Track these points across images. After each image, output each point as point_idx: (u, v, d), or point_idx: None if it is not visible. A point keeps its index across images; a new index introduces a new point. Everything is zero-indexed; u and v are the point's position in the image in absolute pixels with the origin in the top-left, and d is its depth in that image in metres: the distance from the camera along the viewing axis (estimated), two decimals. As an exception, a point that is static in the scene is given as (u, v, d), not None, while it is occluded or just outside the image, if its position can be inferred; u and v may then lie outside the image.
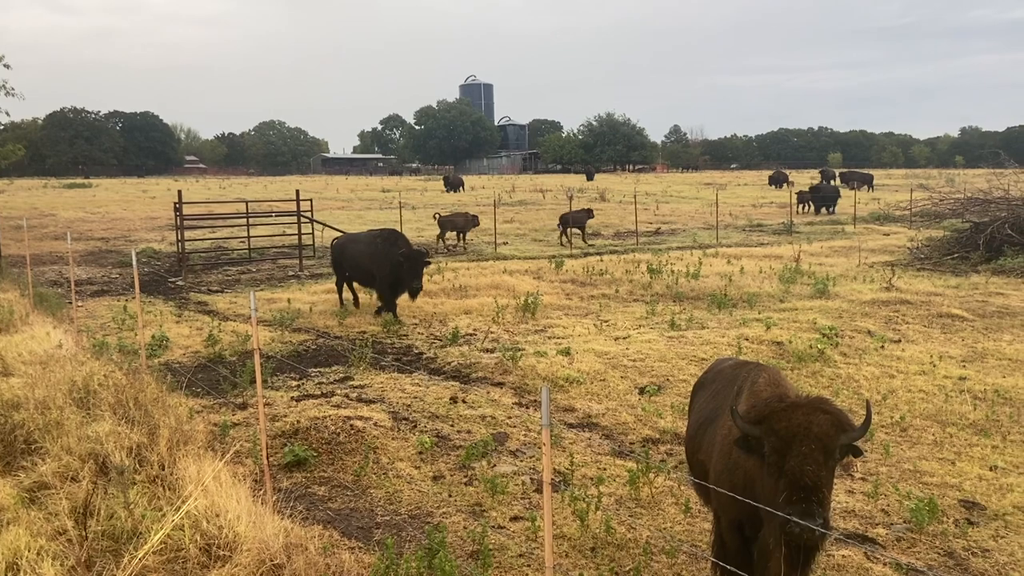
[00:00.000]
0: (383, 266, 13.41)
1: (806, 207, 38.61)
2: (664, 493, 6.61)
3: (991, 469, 7.04)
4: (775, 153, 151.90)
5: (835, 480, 5.94)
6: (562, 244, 25.32)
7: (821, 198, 39.22)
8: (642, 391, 9.30)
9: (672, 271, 17.55)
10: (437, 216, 25.87)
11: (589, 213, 27.20)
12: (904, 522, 6.01)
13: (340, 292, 15.13)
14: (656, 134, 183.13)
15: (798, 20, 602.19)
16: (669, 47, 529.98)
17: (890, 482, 6.75)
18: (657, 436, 8.02)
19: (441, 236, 25.06)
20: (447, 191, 57.82)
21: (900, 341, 11.46)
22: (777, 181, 60.64)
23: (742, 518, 4.28)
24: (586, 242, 26.08)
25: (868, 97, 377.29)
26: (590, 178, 78.63)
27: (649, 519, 6.18)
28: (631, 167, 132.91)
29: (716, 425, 4.67)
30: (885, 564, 5.38)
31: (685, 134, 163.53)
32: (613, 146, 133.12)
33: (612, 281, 17.08)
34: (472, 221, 25.92)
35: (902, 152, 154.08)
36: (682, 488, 6.55)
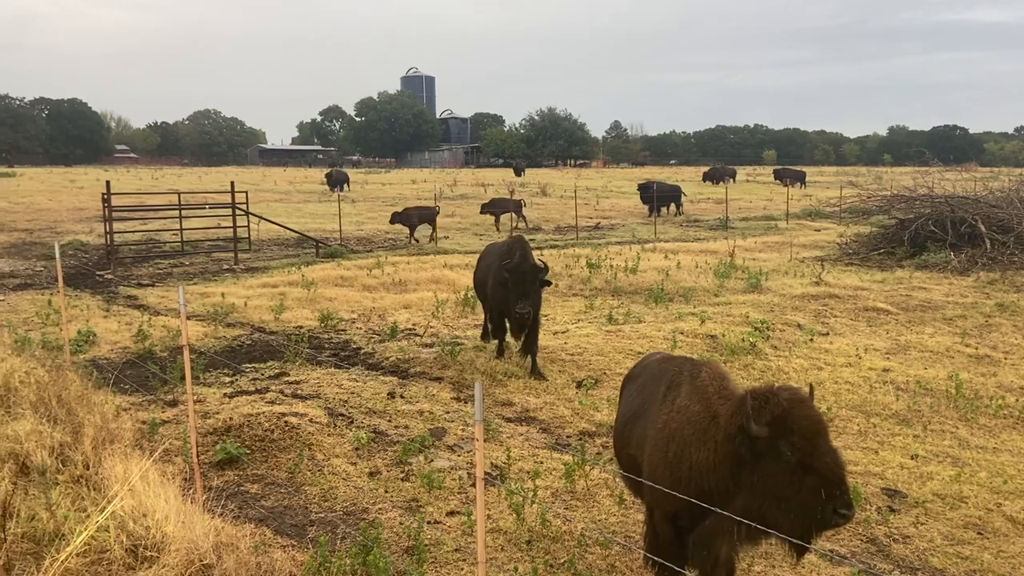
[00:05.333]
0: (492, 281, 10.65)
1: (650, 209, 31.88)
2: (599, 485, 6.68)
3: (912, 458, 7.32)
4: (713, 149, 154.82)
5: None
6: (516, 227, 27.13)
7: (648, 198, 32.34)
8: (579, 385, 9.38)
9: (611, 266, 17.73)
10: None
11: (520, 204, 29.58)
12: (829, 510, 6.20)
13: (489, 332, 11.27)
14: (597, 129, 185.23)
15: (735, 19, 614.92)
16: (611, 43, 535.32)
17: (817, 471, 6.95)
18: (593, 429, 8.10)
19: (410, 233, 25.01)
20: (330, 189, 47.62)
21: (828, 334, 11.81)
22: (713, 177, 60.44)
23: (678, 510, 4.33)
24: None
25: (802, 96, 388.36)
26: (518, 173, 73.12)
27: (584, 511, 6.25)
28: (572, 162, 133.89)
29: (647, 419, 4.70)
30: (812, 552, 5.53)
31: (626, 130, 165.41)
32: (555, 140, 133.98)
33: (552, 276, 17.14)
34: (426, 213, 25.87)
35: (833, 150, 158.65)
36: (616, 481, 6.62)
